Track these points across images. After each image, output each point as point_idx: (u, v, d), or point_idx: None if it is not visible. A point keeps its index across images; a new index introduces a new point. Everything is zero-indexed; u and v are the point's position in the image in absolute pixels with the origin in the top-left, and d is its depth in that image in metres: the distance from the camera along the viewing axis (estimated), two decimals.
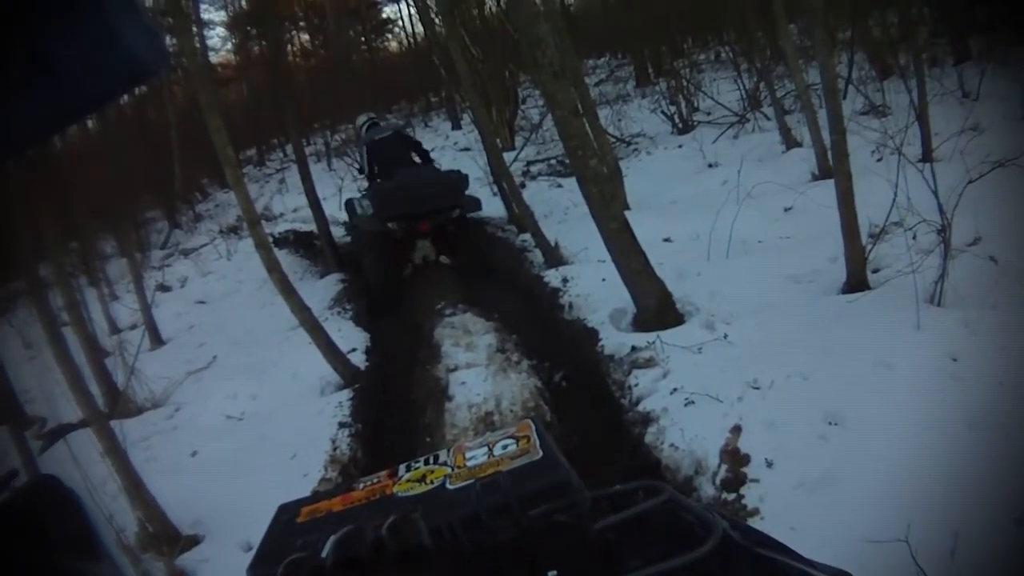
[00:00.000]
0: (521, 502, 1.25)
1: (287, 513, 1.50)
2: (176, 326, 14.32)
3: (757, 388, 6.67)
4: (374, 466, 2.57)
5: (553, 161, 18.73)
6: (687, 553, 1.13)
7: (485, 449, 1.52)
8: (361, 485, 1.54)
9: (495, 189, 15.64)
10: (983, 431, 5.35)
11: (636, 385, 7.71)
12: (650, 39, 26.01)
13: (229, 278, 16.57)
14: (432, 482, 1.45)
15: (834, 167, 8.23)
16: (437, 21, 20.46)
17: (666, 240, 11.12)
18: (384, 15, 45.48)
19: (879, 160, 9.95)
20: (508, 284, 12.33)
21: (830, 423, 5.97)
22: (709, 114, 19.15)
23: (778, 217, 10.86)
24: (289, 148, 26.13)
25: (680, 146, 17.38)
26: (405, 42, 43.08)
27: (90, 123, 22.45)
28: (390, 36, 46.45)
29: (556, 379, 8.96)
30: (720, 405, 6.61)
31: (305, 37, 40.84)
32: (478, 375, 9.03)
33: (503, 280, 12.57)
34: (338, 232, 15.48)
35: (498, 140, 17.70)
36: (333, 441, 8.17)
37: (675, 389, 7.18)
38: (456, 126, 28.00)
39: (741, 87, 18.71)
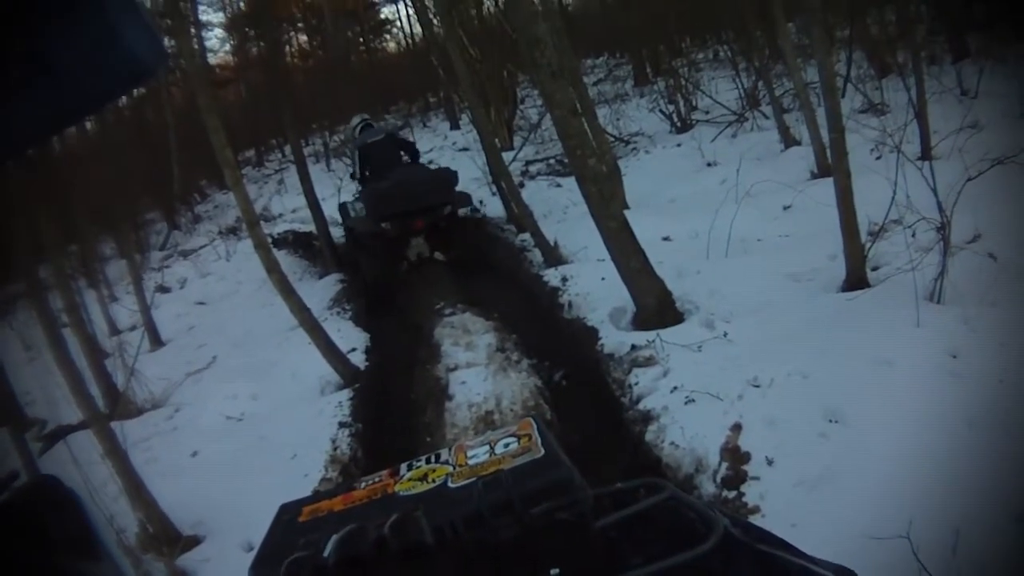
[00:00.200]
0: (523, 500, 1.26)
1: (288, 513, 1.51)
2: (176, 327, 14.32)
3: (757, 386, 6.67)
4: (375, 466, 2.58)
5: (552, 161, 18.73)
6: (689, 550, 1.13)
7: (487, 447, 1.52)
8: (362, 484, 1.55)
9: (494, 189, 15.65)
10: (983, 428, 5.35)
11: (636, 383, 7.71)
12: (648, 38, 26.00)
13: (228, 279, 16.57)
14: (434, 481, 1.46)
15: (833, 165, 8.22)
16: (435, 21, 20.53)
17: (665, 239, 11.11)
18: (382, 16, 45.53)
19: (878, 158, 9.94)
20: (507, 283, 12.35)
21: (830, 421, 5.97)
22: (708, 113, 19.15)
23: (777, 215, 10.86)
24: (288, 149, 26.13)
25: (679, 145, 17.37)
26: (403, 43, 43.12)
27: (89, 124, 22.46)
28: (388, 37, 46.48)
29: (556, 378, 8.96)
30: (720, 403, 6.61)
31: (303, 38, 40.90)
32: (478, 374, 9.03)
33: (502, 279, 12.59)
34: (337, 232, 15.47)
35: (497, 140, 17.75)
36: (333, 441, 8.18)
37: (675, 387, 7.19)
38: (455, 126, 28.01)
39: (739, 86, 18.69)
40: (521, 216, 13.05)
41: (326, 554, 1.10)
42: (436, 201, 12.76)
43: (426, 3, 20.04)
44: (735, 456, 6.03)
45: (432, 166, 15.82)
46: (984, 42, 15.06)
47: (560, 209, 14.29)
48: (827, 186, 8.51)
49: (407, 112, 36.37)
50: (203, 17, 32.18)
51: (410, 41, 40.62)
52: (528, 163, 19.34)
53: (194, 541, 7.05)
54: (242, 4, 33.93)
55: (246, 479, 7.53)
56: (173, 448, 9.03)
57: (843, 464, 5.44)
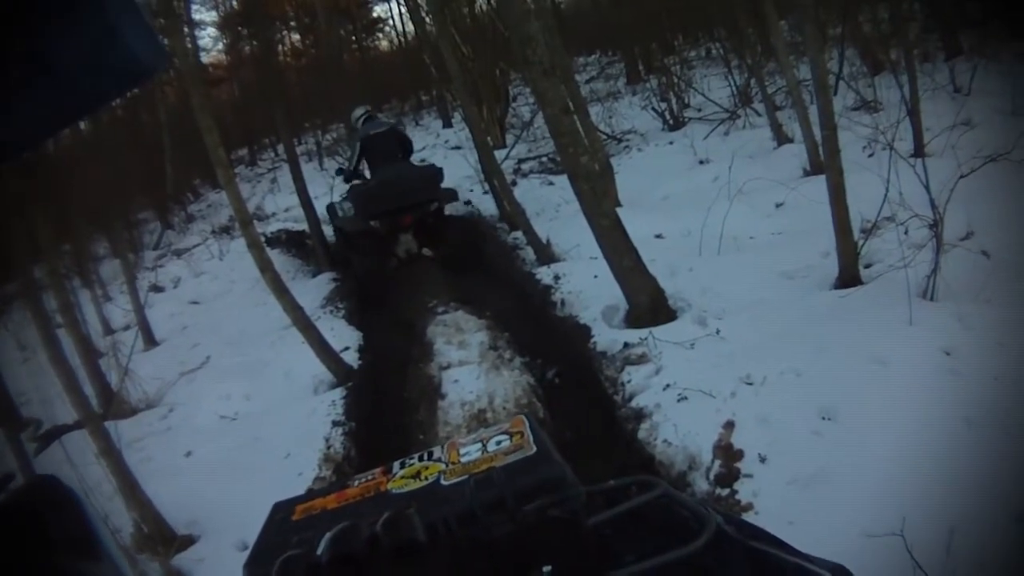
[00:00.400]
0: (515, 497, 1.26)
1: (282, 511, 1.51)
2: (169, 327, 14.31)
3: (750, 384, 6.69)
4: (368, 464, 2.58)
5: (544, 159, 18.72)
6: (681, 547, 1.13)
7: (479, 445, 1.53)
8: (355, 482, 1.55)
9: (486, 187, 15.64)
10: (978, 426, 5.36)
11: (629, 381, 7.72)
12: (641, 36, 25.98)
13: (222, 278, 16.56)
14: (426, 478, 1.46)
15: (825, 163, 8.24)
16: (427, 20, 20.54)
17: (658, 236, 11.12)
18: (375, 14, 45.47)
19: (870, 155, 9.95)
20: (500, 282, 12.36)
21: (823, 418, 5.98)
22: (700, 111, 19.15)
23: (770, 213, 10.87)
24: (280, 148, 26.08)
25: (671, 143, 17.35)
26: (396, 41, 43.09)
27: (82, 124, 22.42)
28: (381, 35, 46.44)
29: (549, 376, 8.97)
30: (713, 401, 6.62)
31: (296, 37, 40.80)
32: (471, 372, 9.04)
33: (495, 278, 12.59)
34: (330, 231, 15.45)
35: (489, 138, 17.84)
36: (327, 440, 8.18)
37: (668, 385, 7.19)
38: (447, 124, 28.02)
39: (732, 83, 18.69)
40: (513, 214, 13.08)
41: (319, 552, 1.10)
42: (423, 198, 13.04)
43: (418, 1, 20.07)
44: (728, 454, 6.04)
45: (422, 164, 15.93)
46: (977, 40, 15.07)
47: (552, 207, 14.30)
48: (820, 183, 8.52)
49: (400, 110, 36.42)
50: (196, 16, 32.07)
51: (402, 39, 40.61)
52: (520, 161, 19.34)
53: (189, 541, 7.06)
54: (235, 3, 33.94)
55: (240, 478, 7.54)
56: (167, 448, 9.03)
57: (836, 462, 5.45)
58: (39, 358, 8.95)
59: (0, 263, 11.62)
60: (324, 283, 13.92)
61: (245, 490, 7.02)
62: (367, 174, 14.12)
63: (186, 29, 22.55)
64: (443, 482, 1.42)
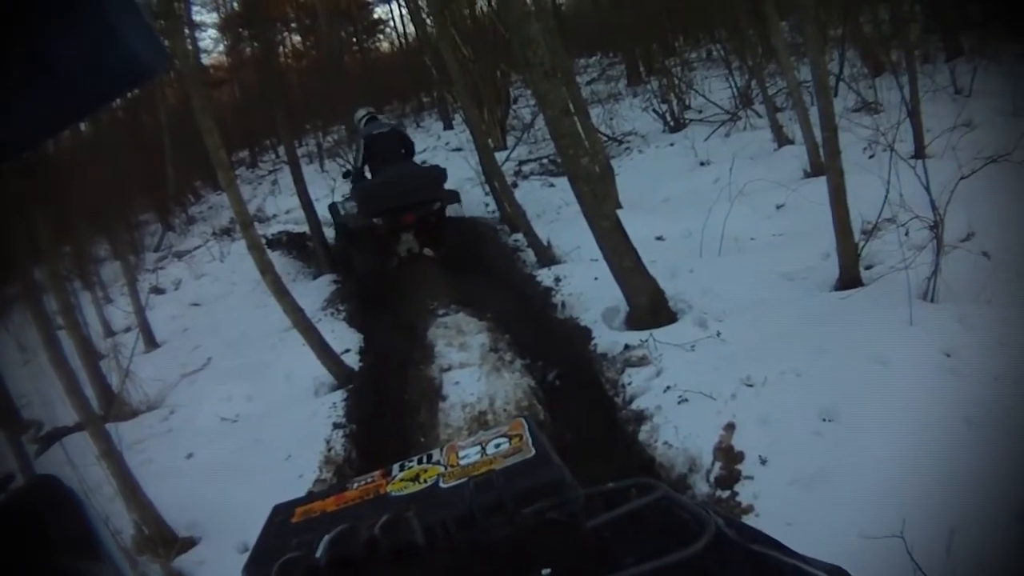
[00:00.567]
0: (514, 500, 1.26)
1: (281, 514, 1.51)
2: (170, 328, 14.31)
3: (750, 385, 6.69)
4: (368, 466, 2.57)
5: (545, 160, 18.69)
6: (681, 550, 1.13)
7: (478, 448, 1.53)
8: (355, 485, 1.55)
9: (487, 189, 15.66)
10: (978, 426, 5.36)
11: (629, 383, 7.73)
12: (641, 38, 25.95)
13: (223, 280, 16.57)
14: (425, 481, 1.46)
15: (826, 164, 8.24)
16: (428, 21, 20.49)
17: (658, 238, 11.12)
18: (375, 16, 45.41)
19: (871, 157, 9.96)
20: (501, 283, 12.35)
21: (824, 419, 5.98)
22: (701, 112, 19.13)
23: (770, 214, 10.87)
24: (281, 149, 26.07)
25: (672, 144, 17.34)
26: (396, 42, 42.99)
27: (83, 126, 22.42)
28: (381, 36, 46.36)
29: (550, 378, 8.97)
30: (713, 403, 6.62)
31: (296, 38, 40.75)
32: (472, 375, 9.04)
33: (496, 279, 12.58)
34: (331, 233, 15.47)
35: (490, 140, 17.86)
36: (327, 442, 8.19)
37: (668, 387, 7.20)
38: (448, 126, 27.99)
39: (732, 85, 18.66)
40: (514, 216, 13.11)
41: (318, 554, 1.10)
42: (425, 197, 13.03)
43: (419, 3, 20.05)
44: (728, 455, 6.04)
45: (425, 165, 15.90)
46: (978, 41, 15.06)
47: (553, 209, 14.30)
48: (820, 185, 8.53)
49: (400, 112, 36.32)
50: (197, 18, 32.06)
51: (403, 41, 40.57)
52: (521, 163, 19.34)
53: (190, 543, 7.06)
54: (235, 4, 33.92)
55: (241, 480, 7.54)
56: (168, 450, 9.03)
57: (837, 463, 5.45)
58: (40, 360, 8.94)
59: (1, 264, 11.61)
60: (325, 285, 13.93)
61: (246, 492, 7.02)
62: (369, 174, 14.17)
63: (187, 31, 22.56)
64: (442, 485, 1.42)
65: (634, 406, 7.34)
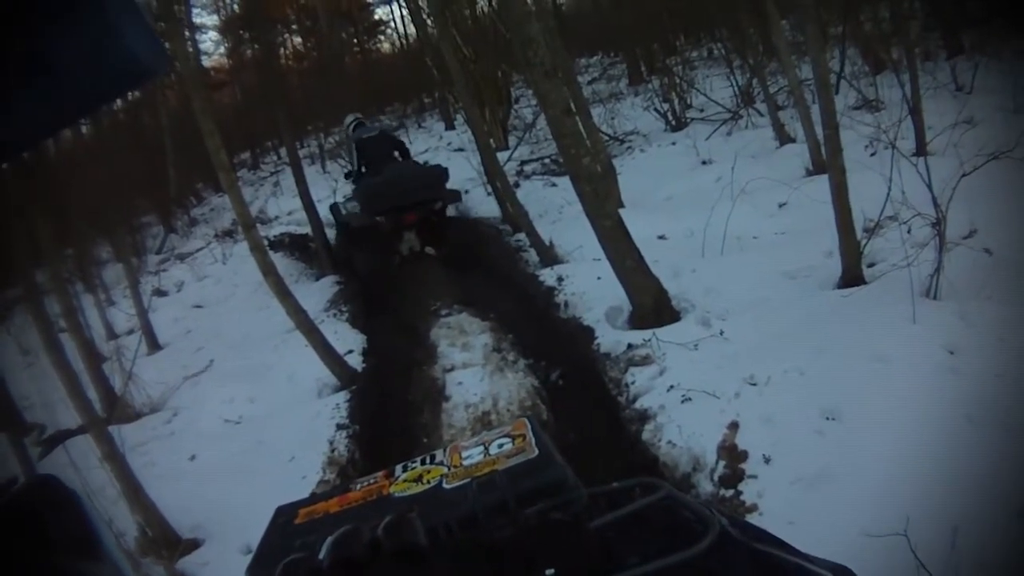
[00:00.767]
0: (518, 500, 1.26)
1: (285, 515, 1.51)
2: (173, 331, 14.31)
3: (754, 384, 6.68)
4: (371, 467, 2.57)
5: (547, 160, 18.69)
6: (685, 549, 1.13)
7: (481, 448, 1.52)
8: (358, 486, 1.54)
9: (489, 189, 15.66)
10: (981, 424, 5.35)
11: (633, 383, 7.73)
12: (642, 37, 25.92)
13: (225, 282, 16.56)
14: (429, 482, 1.46)
15: (828, 162, 8.25)
16: (429, 22, 20.52)
17: (661, 237, 11.12)
18: (376, 17, 45.47)
19: (873, 154, 9.96)
20: (503, 284, 12.33)
21: (827, 418, 5.98)
22: (702, 111, 19.15)
23: (772, 213, 10.86)
24: (283, 151, 26.07)
25: (674, 143, 17.35)
26: (397, 43, 43.08)
27: (84, 128, 22.42)
28: (382, 37, 46.43)
29: (553, 378, 8.96)
30: (717, 402, 6.62)
31: (297, 40, 40.77)
32: (475, 375, 9.05)
33: (498, 280, 12.57)
34: (332, 234, 15.49)
35: (491, 140, 17.84)
36: (331, 443, 8.20)
37: (672, 386, 7.20)
38: (449, 126, 27.99)
39: (734, 84, 18.66)
40: (516, 216, 13.10)
41: (321, 556, 1.10)
42: (427, 196, 13.11)
43: (420, 4, 20.07)
44: (732, 454, 6.04)
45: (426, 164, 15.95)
46: (978, 38, 15.06)
47: (555, 209, 14.29)
48: (822, 183, 8.54)
49: (402, 113, 36.35)
50: (197, 20, 32.13)
51: (404, 42, 40.63)
52: (523, 163, 19.33)
53: (193, 544, 7.07)
54: (236, 7, 33.93)
55: (244, 482, 7.54)
56: (171, 452, 9.03)
57: (840, 462, 5.45)
58: (42, 362, 8.94)
59: (2, 267, 11.61)
60: (327, 286, 13.93)
61: (249, 494, 7.02)
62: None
63: (187, 33, 22.58)
64: (445, 485, 1.42)
65: (637, 405, 7.35)
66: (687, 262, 9.79)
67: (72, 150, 21.73)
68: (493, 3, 21.83)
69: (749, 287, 8.64)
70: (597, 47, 36.09)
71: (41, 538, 0.99)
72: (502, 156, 17.81)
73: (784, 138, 14.15)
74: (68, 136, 20.26)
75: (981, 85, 12.92)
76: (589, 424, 7.87)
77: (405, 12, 33.50)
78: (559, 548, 1.16)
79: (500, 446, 1.50)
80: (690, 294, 8.94)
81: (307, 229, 16.04)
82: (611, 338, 8.72)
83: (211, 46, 39.32)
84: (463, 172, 16.76)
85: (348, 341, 10.80)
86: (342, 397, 9.20)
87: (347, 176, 15.34)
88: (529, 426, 1.55)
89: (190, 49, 22.84)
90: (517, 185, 16.21)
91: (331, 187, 16.54)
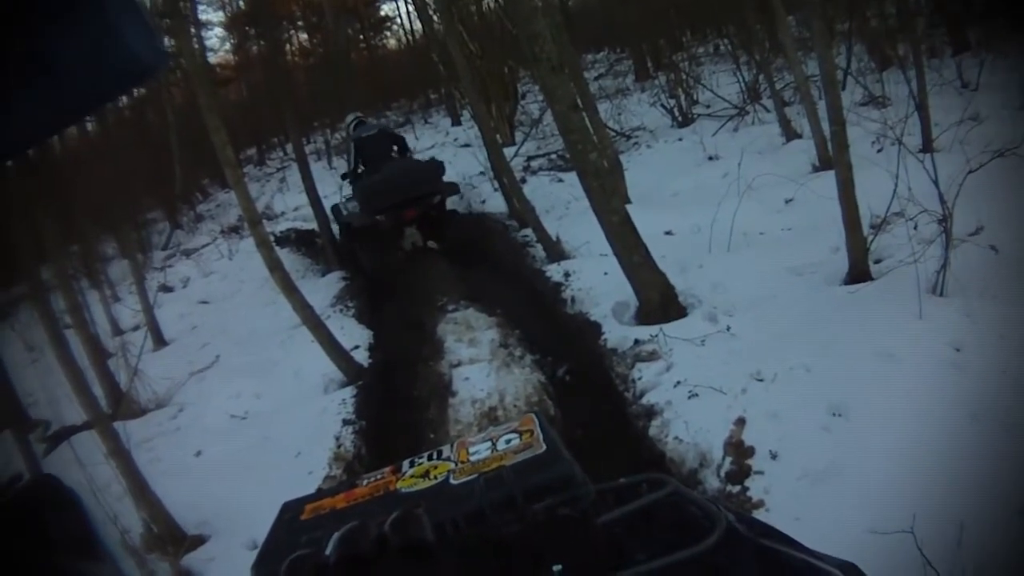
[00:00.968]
0: (525, 496, 1.25)
1: (291, 511, 1.50)
2: (179, 327, 14.33)
3: (760, 380, 6.69)
4: (378, 463, 2.57)
5: (553, 156, 18.68)
6: (692, 546, 1.13)
7: (488, 444, 1.52)
8: (364, 481, 1.54)
9: (496, 185, 15.65)
10: (987, 421, 5.35)
11: (640, 378, 7.73)
12: (649, 33, 25.93)
13: (231, 278, 16.58)
14: (436, 477, 1.45)
15: (834, 158, 8.23)
16: (435, 18, 20.51)
17: (667, 233, 11.10)
18: (382, 13, 45.50)
19: (879, 151, 9.93)
20: (510, 279, 12.35)
21: (834, 414, 5.98)
22: (709, 107, 19.09)
23: (779, 209, 10.85)
24: (289, 147, 26.15)
25: (680, 139, 17.36)
26: (403, 39, 43.12)
27: (90, 124, 22.46)
28: (388, 34, 46.48)
29: (559, 373, 8.97)
30: (724, 397, 6.62)
31: (303, 36, 40.79)
32: (481, 370, 9.05)
33: (505, 275, 12.59)
34: (338, 231, 15.50)
35: (498, 136, 17.79)
36: (337, 438, 8.20)
37: (679, 382, 7.21)
38: (456, 122, 28.02)
39: (740, 79, 18.64)
40: (523, 212, 13.11)
41: (327, 552, 1.10)
42: (425, 191, 13.27)
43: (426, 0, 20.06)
44: (739, 450, 6.04)
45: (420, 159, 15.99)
46: (984, 34, 15.05)
47: (562, 204, 14.28)
48: (829, 179, 8.53)
49: (408, 109, 36.38)
50: (203, 16, 32.19)
51: (410, 38, 40.65)
52: (530, 159, 19.31)
53: (199, 540, 7.07)
54: (242, 3, 33.95)
55: (250, 478, 7.55)
56: (177, 448, 9.05)
57: (846, 458, 5.45)
58: (47, 359, 8.95)
59: (8, 264, 11.63)
60: (334, 282, 13.94)
61: (255, 489, 7.02)
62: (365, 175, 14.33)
63: (193, 29, 22.62)
64: (452, 481, 1.41)
65: (644, 401, 7.35)
66: (694, 258, 9.78)
67: (78, 147, 21.78)
68: None
69: (756, 283, 8.63)
70: (603, 43, 36.21)
71: (41, 538, 0.99)
72: (509, 152, 17.81)
73: (791, 134, 14.14)
74: (74, 133, 20.31)
75: (987, 82, 12.91)
76: (596, 420, 7.87)
77: (411, 8, 33.45)
78: (566, 544, 1.16)
79: (507, 442, 1.50)
80: (697, 290, 8.93)
81: (313, 225, 16.08)
82: (618, 334, 8.72)
83: (217, 42, 39.39)
84: (470, 168, 16.85)
85: (354, 336, 10.82)
86: (348, 392, 9.20)
87: (343, 176, 15.36)
88: (536, 422, 1.55)
89: (196, 46, 22.78)
90: (524, 181, 16.18)
91: (337, 183, 16.49)
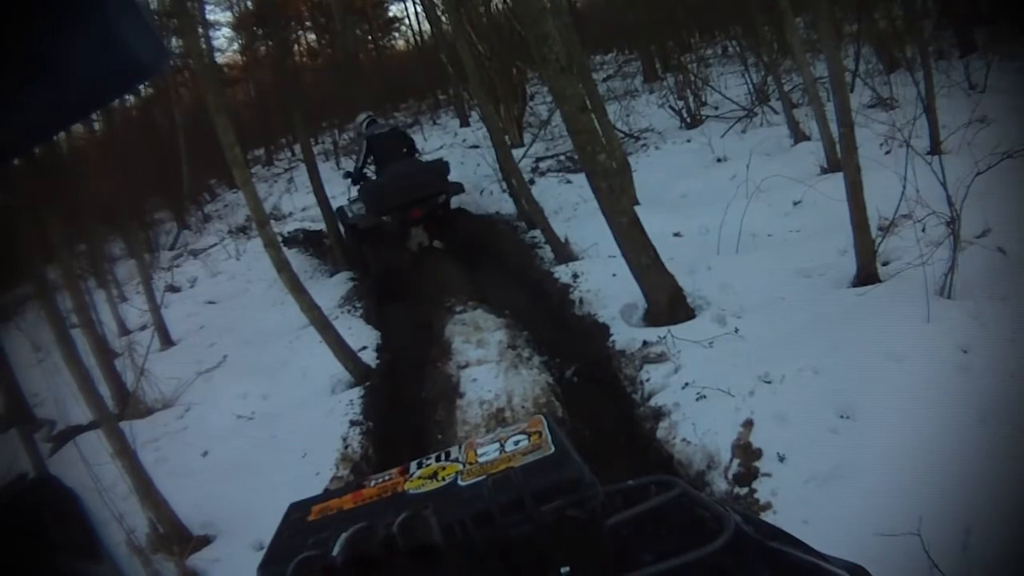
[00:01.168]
0: (533, 498, 1.25)
1: (298, 512, 1.50)
2: (186, 326, 14.34)
3: (768, 382, 6.68)
4: (385, 464, 2.57)
5: (562, 157, 18.69)
6: (700, 548, 1.13)
7: (497, 445, 1.51)
8: (372, 483, 1.54)
9: (504, 186, 15.73)
10: (995, 423, 5.35)
11: (648, 380, 7.72)
12: (657, 35, 25.91)
13: (239, 278, 16.61)
14: (444, 479, 1.45)
15: (842, 160, 8.23)
16: (443, 19, 20.48)
17: (676, 234, 11.11)
18: (390, 13, 45.57)
19: (887, 153, 9.92)
20: (518, 280, 12.38)
21: (841, 416, 5.98)
22: (717, 108, 19.08)
23: (787, 210, 10.84)
24: (297, 147, 26.21)
25: (688, 141, 17.35)
26: (412, 40, 43.19)
27: (97, 125, 22.47)
28: (397, 34, 46.55)
29: (568, 375, 8.98)
30: (731, 399, 6.62)
31: (311, 36, 40.86)
32: (489, 371, 9.07)
33: (513, 276, 12.62)
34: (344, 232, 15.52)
35: (507, 137, 17.81)
36: (344, 439, 8.20)
37: (687, 384, 7.21)
38: (465, 123, 28.05)
39: (748, 81, 18.60)
40: (532, 213, 13.09)
41: (335, 553, 1.10)
42: (431, 191, 13.33)
43: (434, 0, 20.06)
44: (746, 452, 6.04)
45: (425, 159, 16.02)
46: (991, 36, 15.04)
47: (570, 206, 14.29)
48: (837, 181, 8.53)
49: (417, 110, 36.41)
50: (210, 16, 32.17)
51: (419, 39, 40.74)
52: (538, 160, 19.29)
53: (204, 541, 7.07)
54: (250, 3, 34.01)
55: (257, 478, 7.56)
56: (183, 448, 9.06)
57: (854, 460, 5.45)
58: (54, 358, 8.97)
59: (15, 263, 11.65)
60: (342, 282, 13.97)
61: (262, 490, 7.04)
62: (371, 175, 14.58)
63: (200, 29, 22.60)
64: (460, 482, 1.41)
65: (652, 403, 7.35)
66: (702, 259, 9.77)
67: (85, 147, 21.81)
68: (508, 0, 21.85)
69: (764, 285, 8.63)
70: (612, 44, 36.13)
71: (41, 539, 0.99)
72: (517, 153, 17.88)
73: (799, 136, 14.14)
74: (81, 133, 20.35)
75: (994, 84, 12.89)
76: (604, 421, 7.90)
77: (419, 9, 33.59)
78: (575, 546, 1.16)
79: (516, 443, 1.50)
80: (705, 291, 8.93)
81: (321, 225, 16.19)
82: (626, 335, 8.72)
83: (224, 43, 39.44)
84: (478, 169, 16.86)
85: (362, 337, 10.83)
86: (356, 393, 9.19)
87: (346, 176, 15.48)
88: (545, 423, 1.55)
89: (203, 46, 22.81)
90: (532, 182, 16.20)
91: (346, 184, 16.55)
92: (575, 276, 10.84)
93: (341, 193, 16.10)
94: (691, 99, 19.40)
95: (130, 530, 6.71)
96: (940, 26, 16.72)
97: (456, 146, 23.83)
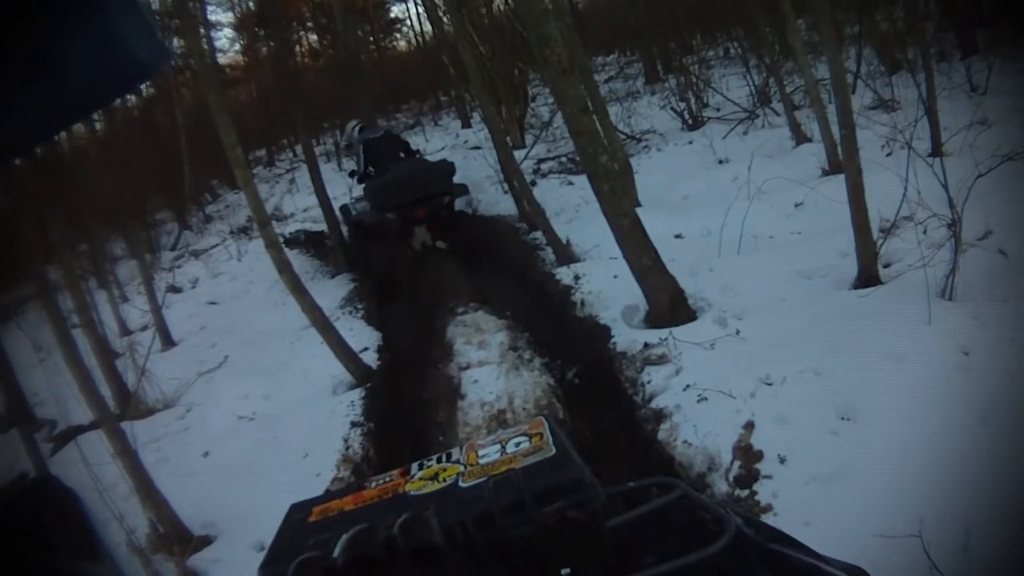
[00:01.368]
0: (534, 499, 1.25)
1: (299, 513, 1.50)
2: (187, 327, 14.33)
3: (769, 384, 6.68)
4: (386, 465, 2.57)
5: (564, 159, 18.73)
6: (701, 549, 1.13)
7: (498, 446, 1.51)
8: (373, 484, 1.54)
9: (506, 187, 15.71)
10: (995, 425, 5.35)
11: (649, 382, 7.73)
12: (659, 36, 25.92)
13: (240, 279, 16.59)
14: (445, 480, 1.45)
15: (844, 162, 8.22)
16: (445, 20, 20.49)
17: (677, 236, 11.12)
18: (392, 14, 45.58)
19: (889, 155, 9.93)
20: (520, 282, 12.35)
21: (842, 418, 5.98)
22: (719, 110, 19.10)
23: (789, 212, 10.84)
24: (299, 148, 26.19)
25: (690, 142, 17.34)
26: (413, 41, 43.26)
27: (98, 125, 22.46)
28: (398, 35, 46.58)
29: (569, 376, 8.97)
30: (733, 401, 6.62)
31: (313, 37, 40.83)
32: (490, 373, 9.08)
33: (514, 278, 12.59)
34: (347, 233, 15.52)
35: (508, 138, 17.81)
36: (345, 440, 8.20)
37: (688, 385, 7.21)
38: (466, 124, 28.11)
39: (750, 83, 18.61)
40: (533, 214, 13.10)
41: (335, 554, 1.10)
42: (435, 191, 13.34)
43: (436, 1, 20.06)
44: (747, 454, 6.04)
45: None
46: (992, 38, 15.04)
47: (572, 207, 14.29)
48: (838, 183, 8.52)
49: (418, 111, 36.46)
50: (212, 17, 32.16)
51: (420, 40, 40.79)
52: (540, 161, 19.33)
53: (205, 541, 7.07)
54: (251, 4, 33.98)
55: (258, 479, 7.56)
56: (184, 448, 9.06)
57: (855, 462, 5.45)
58: (55, 359, 8.96)
59: (16, 263, 11.64)
60: (343, 283, 13.99)
61: (262, 490, 7.04)
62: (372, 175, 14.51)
63: (202, 30, 22.60)
64: (461, 484, 1.41)
65: (653, 404, 7.35)
66: (704, 261, 9.77)
67: (87, 147, 21.80)
68: (509, 1, 21.84)
69: (765, 287, 8.63)
70: (614, 46, 36.22)
71: (41, 539, 0.99)
72: (519, 154, 17.91)
73: (800, 138, 14.14)
74: (83, 133, 20.34)
75: (995, 86, 12.90)
76: (605, 423, 7.87)
77: (421, 10, 33.62)
78: (575, 547, 1.17)
79: (517, 444, 1.50)
80: (706, 293, 8.93)
81: (323, 226, 16.14)
82: (627, 337, 8.72)
83: (226, 43, 39.44)
84: (480, 170, 16.87)
85: (363, 338, 10.83)
86: (357, 394, 9.20)
87: (351, 175, 15.58)
88: (546, 424, 1.55)
89: (205, 46, 22.79)
90: (534, 183, 16.23)
91: (348, 184, 16.54)
92: (576, 278, 10.84)
93: (343, 194, 16.13)
94: (693, 101, 19.40)
95: (131, 530, 6.71)
96: (942, 28, 16.76)
97: (458, 147, 23.89)
